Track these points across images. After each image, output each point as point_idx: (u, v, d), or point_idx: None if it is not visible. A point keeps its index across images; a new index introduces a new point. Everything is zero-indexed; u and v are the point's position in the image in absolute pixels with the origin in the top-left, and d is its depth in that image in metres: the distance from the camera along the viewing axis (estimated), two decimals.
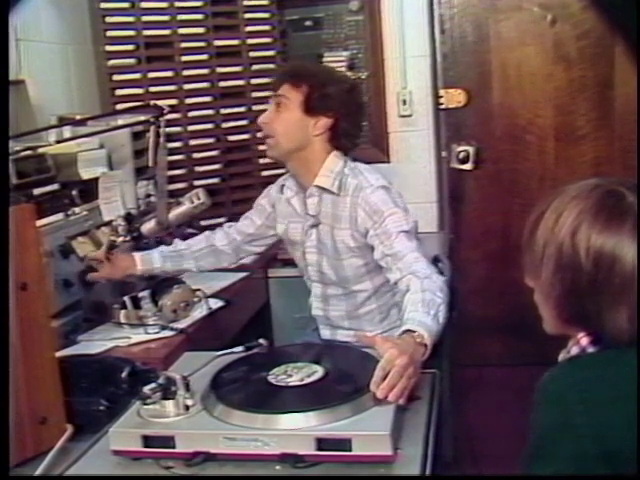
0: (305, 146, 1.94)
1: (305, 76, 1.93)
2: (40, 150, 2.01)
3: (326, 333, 2.11)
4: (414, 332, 1.44)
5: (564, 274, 1.03)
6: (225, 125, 2.87)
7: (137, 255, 2.10)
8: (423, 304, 1.56)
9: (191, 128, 2.84)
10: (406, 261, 1.75)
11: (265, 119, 1.95)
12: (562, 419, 0.98)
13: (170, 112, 2.10)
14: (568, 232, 1.02)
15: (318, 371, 1.33)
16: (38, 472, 1.23)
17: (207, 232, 2.23)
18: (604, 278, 1.00)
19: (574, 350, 1.07)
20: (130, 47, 2.71)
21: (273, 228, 2.14)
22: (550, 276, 1.05)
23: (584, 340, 1.05)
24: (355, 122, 2.00)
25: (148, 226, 2.09)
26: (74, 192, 2.10)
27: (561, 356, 1.10)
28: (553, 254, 1.04)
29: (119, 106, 2.64)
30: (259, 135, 2.26)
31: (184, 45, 2.78)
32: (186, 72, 2.80)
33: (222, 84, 2.86)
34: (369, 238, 1.86)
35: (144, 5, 2.71)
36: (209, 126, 2.87)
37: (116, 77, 2.70)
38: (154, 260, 2.13)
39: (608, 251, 0.99)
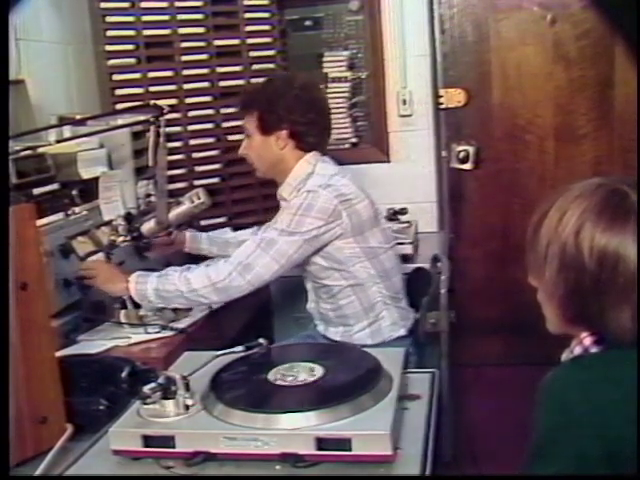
0: (279, 160, 2.07)
1: (252, 101, 2.09)
2: (40, 150, 2.01)
3: (320, 328, 2.20)
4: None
5: (567, 273, 1.03)
6: (225, 125, 2.87)
7: (188, 233, 2.30)
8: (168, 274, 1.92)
9: (191, 128, 2.83)
10: (235, 254, 1.95)
11: (241, 151, 2.15)
12: (564, 419, 0.98)
13: (170, 112, 2.11)
14: (572, 231, 1.02)
15: (318, 371, 1.33)
16: (38, 472, 1.23)
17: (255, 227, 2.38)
18: (607, 277, 0.99)
19: (577, 350, 1.06)
20: (130, 47, 2.70)
21: None
22: (553, 275, 1.05)
23: (587, 340, 1.05)
24: (314, 119, 2.06)
25: (148, 226, 2.09)
26: (74, 192, 2.10)
27: (564, 356, 1.10)
28: (556, 253, 1.04)
29: (119, 106, 2.63)
30: None
31: (184, 45, 2.78)
32: (186, 72, 2.79)
33: (222, 84, 2.86)
34: None
35: (144, 5, 2.70)
36: (209, 126, 2.86)
37: (116, 77, 2.69)
38: (202, 241, 2.32)
39: (612, 250, 0.99)
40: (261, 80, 2.74)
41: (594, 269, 1.00)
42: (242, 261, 1.91)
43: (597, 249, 0.99)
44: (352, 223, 1.97)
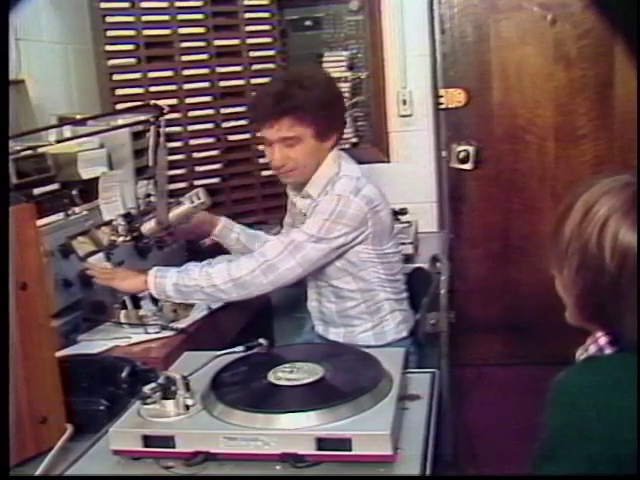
0: (320, 162, 2.01)
1: (305, 106, 1.91)
2: (40, 150, 2.01)
3: (319, 329, 2.18)
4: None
5: (586, 272, 1.02)
6: (225, 125, 2.87)
7: (223, 219, 2.24)
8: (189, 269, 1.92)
9: (191, 128, 2.83)
10: (261, 249, 1.95)
11: (277, 162, 1.99)
12: (573, 422, 0.97)
13: (170, 112, 2.10)
14: (596, 228, 1.00)
15: (318, 371, 1.33)
16: (38, 472, 1.23)
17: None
18: (626, 280, 0.98)
19: (592, 349, 1.06)
20: (130, 47, 2.71)
21: None
22: (573, 273, 1.04)
23: (602, 340, 1.04)
24: (345, 116, 2.09)
25: (148, 226, 2.09)
26: (74, 192, 2.10)
27: (578, 353, 1.09)
28: (578, 250, 1.02)
29: (119, 106, 2.64)
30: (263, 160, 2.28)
31: (184, 45, 2.78)
32: (186, 72, 2.80)
33: (222, 84, 2.86)
34: None
35: (144, 5, 2.71)
36: (209, 126, 2.86)
37: (116, 77, 2.70)
38: (234, 227, 2.25)
39: (633, 252, 0.97)
40: (262, 80, 2.75)
41: (614, 270, 0.98)
42: (267, 260, 1.89)
43: (619, 250, 0.98)
44: (375, 230, 1.96)
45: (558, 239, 1.06)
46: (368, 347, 1.95)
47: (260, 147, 2.85)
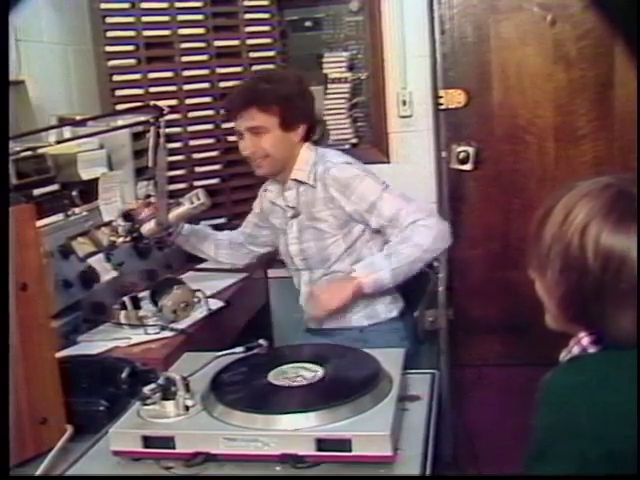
0: (292, 153, 2.09)
1: (272, 98, 2.03)
2: (40, 150, 2.02)
3: (314, 323, 2.18)
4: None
5: (569, 274, 1.02)
6: (225, 126, 2.87)
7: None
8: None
9: (191, 129, 2.83)
10: (400, 224, 1.97)
11: (248, 150, 2.08)
12: (562, 421, 0.97)
13: (170, 113, 2.10)
14: (577, 231, 1.00)
15: (318, 371, 1.33)
16: (38, 472, 1.23)
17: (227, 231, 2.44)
18: (610, 280, 0.98)
19: (575, 350, 1.06)
20: (130, 47, 2.70)
21: (265, 228, 2.29)
22: (556, 275, 1.04)
23: (585, 340, 1.05)
24: (315, 111, 2.16)
25: (148, 227, 2.09)
26: (74, 192, 2.10)
27: (562, 355, 1.09)
28: (559, 253, 1.02)
29: (119, 106, 2.64)
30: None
31: (184, 46, 2.78)
32: (186, 73, 2.80)
33: (222, 85, 2.85)
34: (353, 214, 2.03)
35: (144, 5, 2.71)
36: (209, 127, 2.86)
37: (116, 77, 2.69)
38: (182, 229, 2.28)
39: (616, 253, 0.97)
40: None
41: (597, 271, 0.98)
42: (421, 216, 1.97)
43: (602, 251, 0.98)
44: None
45: (539, 243, 1.06)
46: (362, 329, 2.07)
47: None
